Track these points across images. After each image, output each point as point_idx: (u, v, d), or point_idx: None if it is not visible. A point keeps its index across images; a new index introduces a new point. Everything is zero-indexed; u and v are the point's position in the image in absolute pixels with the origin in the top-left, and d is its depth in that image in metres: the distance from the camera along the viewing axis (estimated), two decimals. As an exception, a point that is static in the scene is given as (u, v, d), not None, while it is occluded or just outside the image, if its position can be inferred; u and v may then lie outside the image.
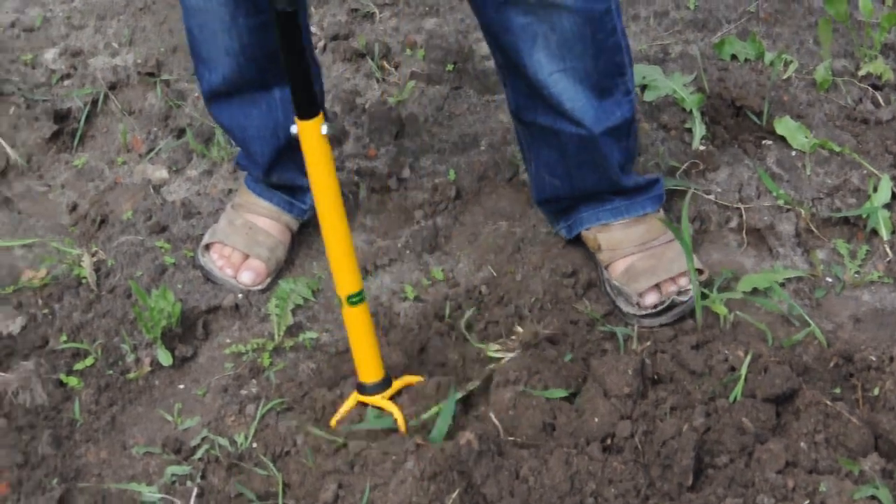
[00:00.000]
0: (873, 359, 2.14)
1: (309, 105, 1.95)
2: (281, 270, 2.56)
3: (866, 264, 2.50)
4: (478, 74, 3.14)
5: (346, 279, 2.04)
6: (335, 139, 2.92)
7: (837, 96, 2.92)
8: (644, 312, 2.40)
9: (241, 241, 2.56)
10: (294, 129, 1.97)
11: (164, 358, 2.32)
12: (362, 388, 2.13)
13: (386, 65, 3.19)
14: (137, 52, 3.18)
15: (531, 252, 2.61)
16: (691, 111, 2.84)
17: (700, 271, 2.43)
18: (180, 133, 2.94)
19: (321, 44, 3.25)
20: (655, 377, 2.20)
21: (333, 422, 2.15)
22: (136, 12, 3.33)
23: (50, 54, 3.18)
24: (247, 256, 2.55)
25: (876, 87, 2.93)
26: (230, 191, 2.78)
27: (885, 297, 2.44)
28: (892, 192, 2.61)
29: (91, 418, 2.23)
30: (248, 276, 2.53)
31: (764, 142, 2.81)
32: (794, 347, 2.26)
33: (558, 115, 2.28)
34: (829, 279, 2.49)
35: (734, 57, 3.05)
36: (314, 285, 2.50)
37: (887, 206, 2.59)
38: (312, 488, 2.03)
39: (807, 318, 2.33)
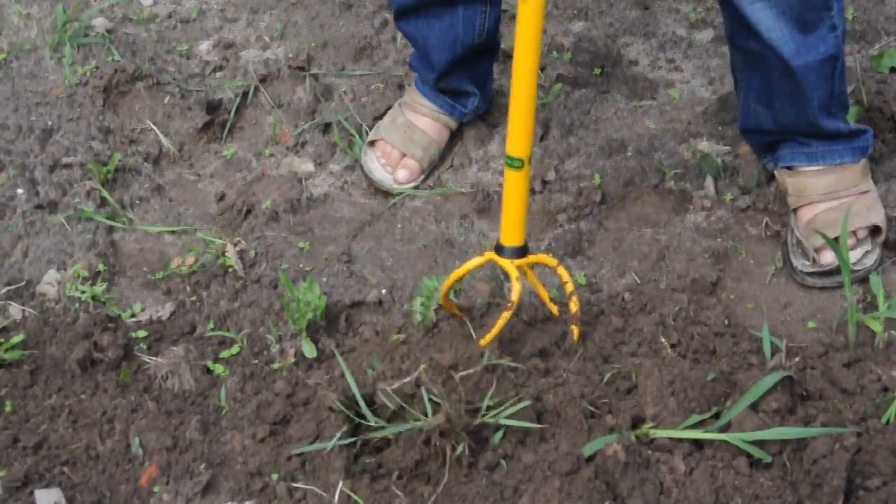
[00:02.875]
0: None
1: None
2: (430, 268, 2.58)
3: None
4: (626, 79, 3.11)
5: (517, 141, 2.10)
6: (479, 139, 2.92)
7: None
8: (815, 270, 2.46)
9: (399, 140, 2.80)
10: None
11: (309, 350, 2.34)
12: (500, 250, 2.20)
13: (532, 66, 3.18)
14: (288, 46, 3.22)
15: (676, 260, 2.58)
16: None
17: (878, 229, 2.48)
18: (326, 127, 2.97)
19: (468, 44, 3.25)
20: (804, 394, 2.15)
21: (461, 272, 2.23)
22: (289, 7, 3.37)
23: (204, 46, 3.24)
24: (403, 155, 2.78)
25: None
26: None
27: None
28: None
29: (236, 406, 2.26)
30: (404, 174, 2.78)
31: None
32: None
33: (764, 43, 2.29)
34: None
35: (893, 70, 2.96)
36: (457, 286, 2.50)
37: None
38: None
39: None
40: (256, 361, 2.37)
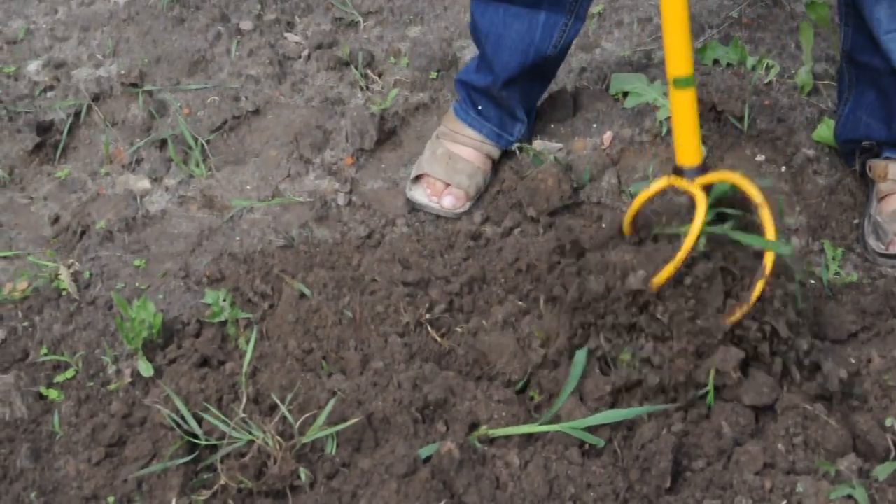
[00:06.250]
0: (852, 361, 2.14)
1: None
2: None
3: (846, 266, 2.49)
4: (461, 82, 3.14)
5: (678, 61, 2.01)
6: (316, 147, 2.92)
7: (819, 100, 2.92)
8: (888, 253, 2.49)
9: (442, 171, 2.74)
10: None
11: (145, 369, 2.31)
12: (678, 171, 2.09)
13: (370, 73, 3.19)
14: (121, 63, 3.18)
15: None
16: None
17: None
18: (162, 143, 2.94)
19: (305, 52, 3.25)
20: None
21: (640, 199, 2.13)
22: (120, 23, 3.33)
23: (33, 66, 3.18)
24: (447, 185, 2.72)
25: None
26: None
27: (863, 299, 2.43)
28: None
29: (71, 430, 2.22)
30: (449, 200, 2.72)
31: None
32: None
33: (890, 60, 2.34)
34: (813, 281, 2.48)
35: (716, 62, 3.05)
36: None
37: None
38: None
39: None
40: (92, 384, 2.33)
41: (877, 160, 2.59)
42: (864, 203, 2.63)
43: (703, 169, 2.08)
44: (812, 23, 2.98)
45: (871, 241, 2.53)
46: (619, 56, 3.14)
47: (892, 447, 1.96)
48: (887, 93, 2.45)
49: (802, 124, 2.85)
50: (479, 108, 2.75)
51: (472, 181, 2.73)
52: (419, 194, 2.75)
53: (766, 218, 2.02)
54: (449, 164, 2.74)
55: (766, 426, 2.04)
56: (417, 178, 2.77)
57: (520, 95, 2.72)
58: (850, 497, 1.85)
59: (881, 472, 1.91)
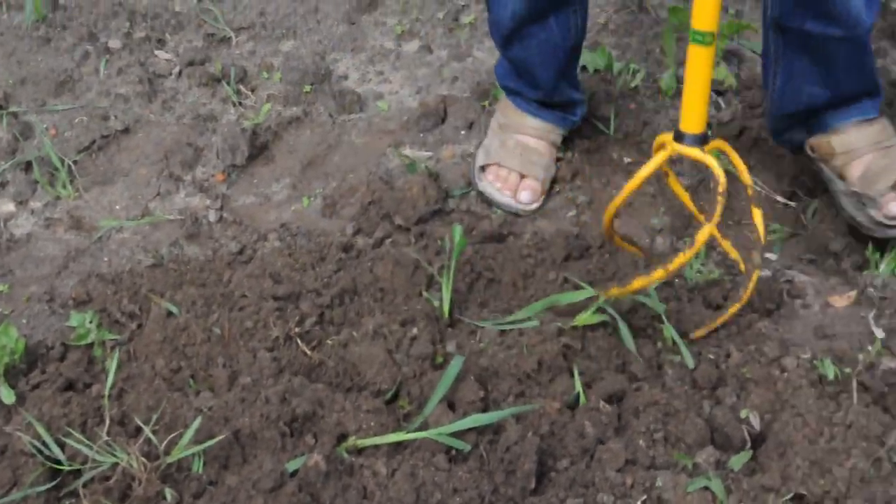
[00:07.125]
0: (711, 357, 2.18)
1: None
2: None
3: (708, 263, 2.54)
4: (334, 94, 3.13)
5: (707, 12, 1.99)
6: (186, 164, 2.89)
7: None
8: (891, 222, 2.42)
9: (517, 163, 2.70)
10: None
11: (7, 396, 2.26)
12: (680, 137, 2.09)
13: (242, 88, 3.17)
14: (-16, 86, 3.13)
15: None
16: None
17: None
18: (28, 165, 2.89)
19: (176, 70, 3.22)
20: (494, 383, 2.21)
21: (636, 181, 2.19)
22: (-17, 45, 3.27)
23: None
24: (523, 177, 2.69)
25: (718, 92, 2.98)
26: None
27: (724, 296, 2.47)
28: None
29: (-75, 464, 2.16)
30: (527, 195, 2.69)
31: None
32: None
33: (831, 20, 2.28)
34: (677, 279, 2.52)
35: (584, 68, 3.08)
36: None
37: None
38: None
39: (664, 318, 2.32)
40: (-51, 414, 2.27)
41: (817, 139, 2.53)
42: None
43: (705, 140, 2.09)
44: (674, 27, 3.04)
45: (870, 213, 2.44)
46: (490, 66, 3.16)
47: (747, 438, 2.00)
48: (825, 55, 2.37)
49: (667, 126, 2.89)
50: (538, 103, 2.74)
51: (546, 173, 2.72)
52: (490, 187, 2.72)
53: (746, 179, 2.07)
54: (523, 156, 2.71)
55: (628, 423, 2.06)
56: (483, 168, 2.75)
57: (573, 85, 2.75)
58: (706, 489, 1.88)
59: (736, 462, 1.94)
